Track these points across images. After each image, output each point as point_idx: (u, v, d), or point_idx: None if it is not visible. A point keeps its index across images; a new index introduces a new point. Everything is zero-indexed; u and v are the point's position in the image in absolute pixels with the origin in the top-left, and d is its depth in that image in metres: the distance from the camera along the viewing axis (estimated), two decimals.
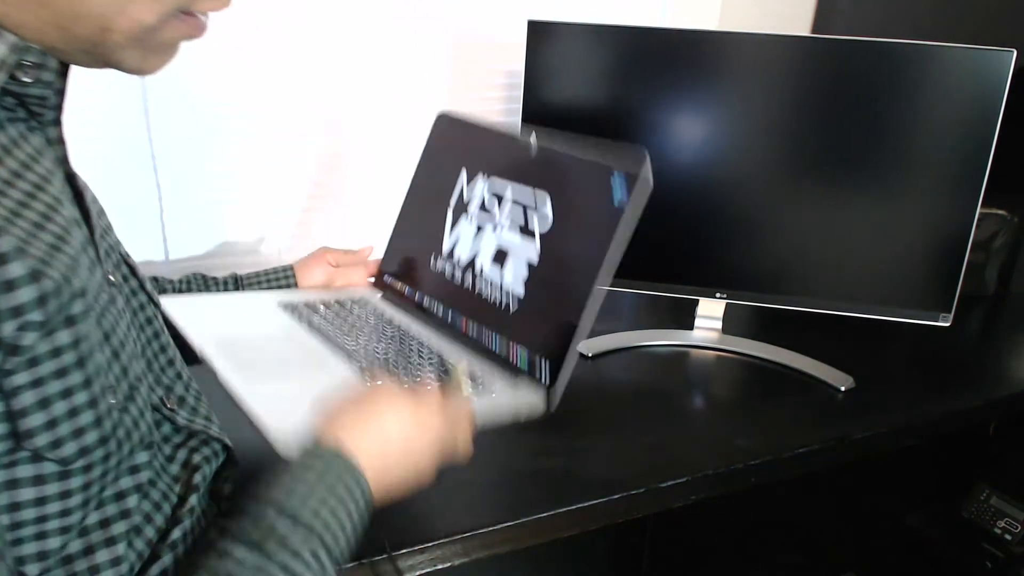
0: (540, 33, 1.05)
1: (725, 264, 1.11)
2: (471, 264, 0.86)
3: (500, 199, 0.85)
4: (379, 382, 0.61)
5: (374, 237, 1.04)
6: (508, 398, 0.74)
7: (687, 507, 0.86)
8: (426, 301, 0.91)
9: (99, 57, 0.46)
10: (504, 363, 0.78)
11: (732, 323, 1.20)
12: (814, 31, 1.42)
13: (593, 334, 1.17)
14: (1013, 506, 1.37)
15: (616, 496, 0.80)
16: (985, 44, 0.97)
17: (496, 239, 0.84)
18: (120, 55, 0.47)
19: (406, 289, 0.94)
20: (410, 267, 0.94)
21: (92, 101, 0.98)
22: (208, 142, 1.09)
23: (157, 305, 0.60)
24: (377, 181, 1.21)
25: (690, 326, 1.19)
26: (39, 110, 0.46)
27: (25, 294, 0.39)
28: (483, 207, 0.86)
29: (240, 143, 1.11)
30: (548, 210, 0.80)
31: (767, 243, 1.10)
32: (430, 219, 0.91)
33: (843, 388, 1.04)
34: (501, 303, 0.81)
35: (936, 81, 0.99)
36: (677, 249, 1.11)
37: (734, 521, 1.52)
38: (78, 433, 0.43)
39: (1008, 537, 1.35)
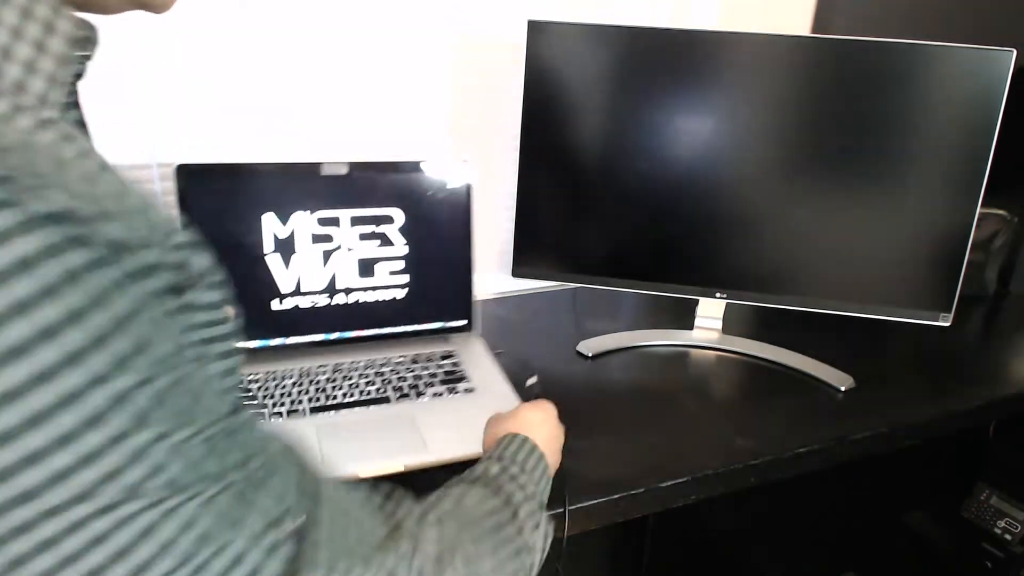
0: (540, 33, 1.05)
1: (725, 264, 1.11)
2: (332, 286, 0.99)
3: (336, 224, 0.98)
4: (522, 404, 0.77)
5: None
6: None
7: (687, 507, 0.86)
8: (311, 338, 1.01)
9: None
10: (422, 333, 1.05)
11: (732, 323, 1.20)
12: (814, 31, 1.42)
13: (593, 334, 1.17)
14: (1013, 506, 1.37)
15: (616, 496, 0.80)
16: (985, 44, 0.97)
17: (353, 256, 1.00)
18: None
19: (283, 341, 1.00)
20: (261, 321, 1.00)
21: (92, 107, 0.98)
22: (209, 142, 1.09)
23: None
24: None
25: (690, 326, 1.19)
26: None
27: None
28: (317, 239, 0.98)
29: (241, 143, 1.11)
30: (400, 213, 1.00)
31: (767, 243, 1.10)
32: (250, 274, 0.97)
33: (843, 388, 1.04)
34: (389, 298, 1.02)
35: (936, 81, 0.99)
36: (677, 249, 1.11)
37: (734, 521, 1.52)
38: None
39: (1008, 537, 1.36)
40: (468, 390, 0.94)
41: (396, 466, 0.78)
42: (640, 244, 1.12)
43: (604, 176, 1.09)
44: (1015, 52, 0.96)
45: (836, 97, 1.02)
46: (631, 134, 1.07)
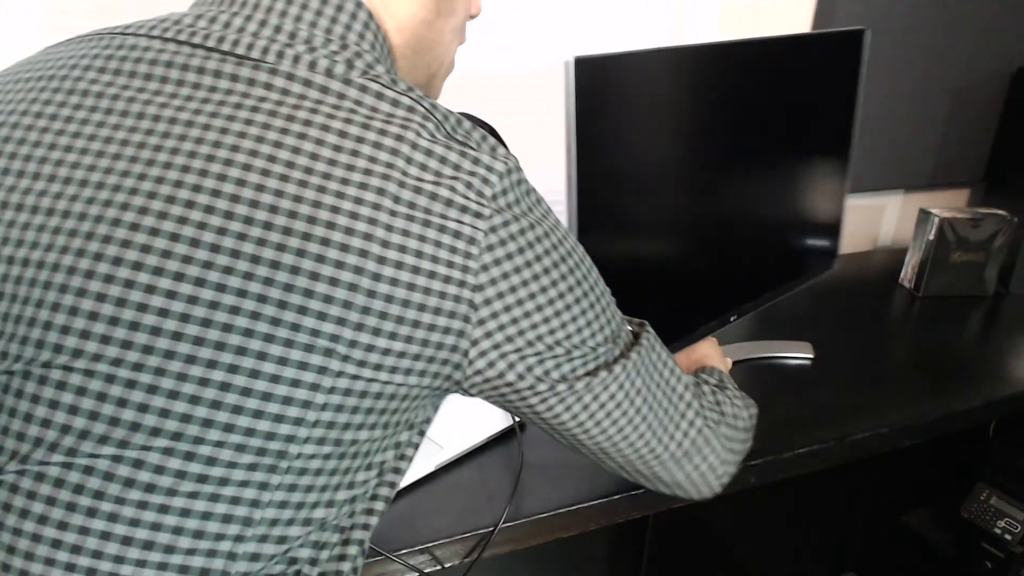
0: (589, 70, 0.74)
1: (736, 288, 1.04)
2: None
3: None
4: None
5: None
6: None
7: (687, 507, 0.86)
8: None
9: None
10: None
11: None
12: (814, 29, 1.42)
13: None
14: (1013, 506, 1.37)
15: (616, 496, 0.80)
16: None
17: None
18: (437, 89, 0.62)
19: None
20: None
21: None
22: None
23: None
24: None
25: None
26: None
27: None
28: None
29: None
30: None
31: (763, 250, 1.09)
32: None
33: (810, 356, 1.09)
34: None
35: (802, 68, 0.99)
36: (693, 292, 0.98)
37: (734, 521, 1.52)
38: None
39: (1008, 537, 1.36)
40: None
41: (428, 468, 0.82)
42: (657, 291, 0.94)
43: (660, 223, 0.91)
44: (868, 31, 1.00)
45: (743, 97, 0.94)
46: (712, 177, 0.93)
